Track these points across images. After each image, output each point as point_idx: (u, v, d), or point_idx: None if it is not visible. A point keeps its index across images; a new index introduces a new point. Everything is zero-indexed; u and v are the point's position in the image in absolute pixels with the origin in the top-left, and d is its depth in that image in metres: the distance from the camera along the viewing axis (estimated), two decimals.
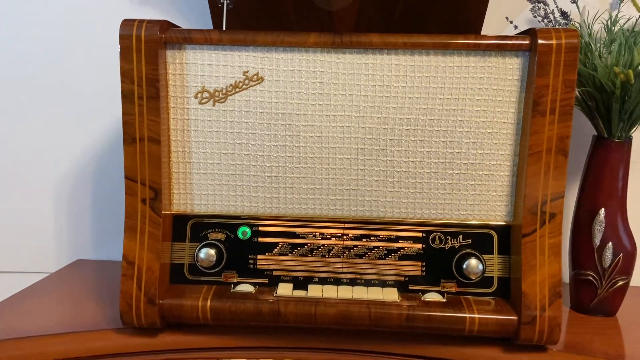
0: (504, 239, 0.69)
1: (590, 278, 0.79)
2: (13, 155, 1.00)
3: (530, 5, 0.83)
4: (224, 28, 0.74)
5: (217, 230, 0.71)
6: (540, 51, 0.64)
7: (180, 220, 0.71)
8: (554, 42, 0.64)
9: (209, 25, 0.85)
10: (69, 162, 1.00)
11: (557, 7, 0.82)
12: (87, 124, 0.98)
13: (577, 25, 0.82)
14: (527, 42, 0.65)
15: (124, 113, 0.67)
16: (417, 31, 0.66)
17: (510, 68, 0.66)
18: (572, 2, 0.84)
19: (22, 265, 1.02)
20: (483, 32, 0.80)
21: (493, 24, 0.88)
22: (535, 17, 0.80)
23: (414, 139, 0.68)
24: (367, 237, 0.70)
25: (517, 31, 0.84)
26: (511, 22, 0.86)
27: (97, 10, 0.96)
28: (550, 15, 0.80)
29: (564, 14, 0.83)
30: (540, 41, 0.64)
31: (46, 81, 0.98)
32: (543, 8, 0.80)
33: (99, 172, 1.00)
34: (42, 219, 1.01)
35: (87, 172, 1.00)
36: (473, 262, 0.67)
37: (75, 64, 0.97)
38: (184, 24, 0.79)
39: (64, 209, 1.01)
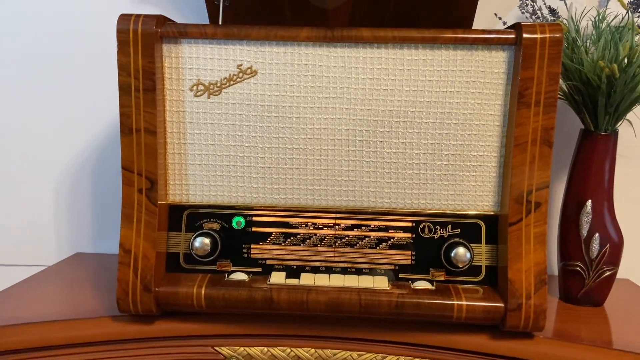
0: (492, 229, 0.71)
1: (578, 269, 0.81)
2: (13, 149, 1.01)
3: (519, 2, 0.85)
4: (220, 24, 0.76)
5: (212, 220, 0.72)
6: (525, 45, 0.66)
7: (176, 210, 0.72)
8: (538, 36, 0.66)
9: (206, 21, 0.87)
10: (68, 156, 1.01)
11: (544, 3, 0.84)
12: (87, 119, 0.99)
13: (565, 21, 0.83)
14: (512, 36, 0.67)
15: (121, 105, 0.68)
16: (409, 27, 0.68)
17: (497, 61, 0.68)
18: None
19: (22, 258, 1.03)
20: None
21: (483, 21, 0.90)
22: (523, 13, 0.82)
23: (404, 130, 0.70)
24: (358, 226, 0.72)
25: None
26: (500, 18, 0.87)
27: (96, 9, 0.98)
28: (538, 12, 0.82)
29: (552, 11, 0.85)
30: (525, 35, 0.66)
31: (46, 78, 0.99)
32: (531, 5, 0.81)
33: (98, 166, 1.01)
34: (42, 213, 1.02)
35: (86, 166, 1.01)
36: (461, 250, 0.69)
37: (75, 63, 0.98)
38: (181, 22, 0.80)
39: (63, 202, 1.02)
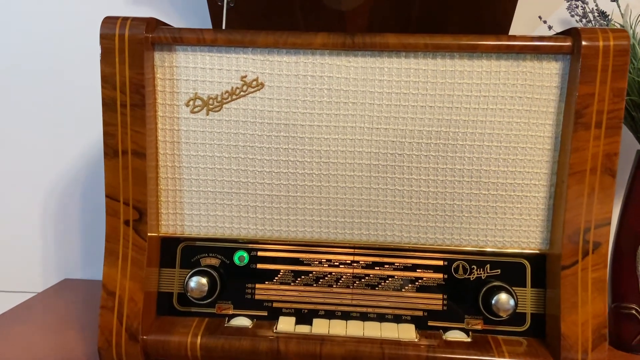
0: (539, 270, 0.62)
1: (634, 312, 0.71)
2: None
3: (565, 4, 0.74)
4: (223, 28, 0.67)
5: (210, 255, 0.64)
6: (585, 54, 0.55)
7: (169, 243, 0.64)
8: (600, 43, 0.55)
9: (208, 26, 0.78)
10: (56, 177, 0.95)
11: (596, 5, 0.73)
12: (75, 139, 0.93)
13: (618, 26, 0.73)
14: (568, 43, 0.57)
15: (105, 123, 0.60)
16: (437, 32, 0.59)
17: (548, 73, 0.59)
18: (612, 1, 0.75)
19: (6, 284, 0.97)
20: (511, 34, 0.71)
21: (521, 25, 0.79)
22: (572, 16, 0.71)
23: (435, 154, 0.61)
24: (381, 264, 0.63)
25: (552, 32, 0.76)
26: (545, 21, 0.77)
27: (88, 11, 0.90)
28: (590, 15, 0.71)
29: (602, 14, 0.74)
30: (584, 43, 0.55)
31: (34, 95, 0.93)
32: (581, 6, 0.70)
33: (87, 187, 0.95)
34: (29, 237, 0.96)
35: (75, 188, 0.95)
36: (503, 297, 0.59)
37: (65, 79, 0.92)
38: (181, 26, 0.72)
39: (51, 226, 0.96)
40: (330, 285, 0.63)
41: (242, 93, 0.61)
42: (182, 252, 0.64)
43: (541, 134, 0.60)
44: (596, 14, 0.74)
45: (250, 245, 0.64)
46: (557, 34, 0.61)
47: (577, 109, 0.56)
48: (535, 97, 0.59)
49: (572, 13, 0.72)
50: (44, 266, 0.96)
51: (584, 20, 0.72)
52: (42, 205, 0.95)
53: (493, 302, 0.59)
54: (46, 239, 0.96)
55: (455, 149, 0.60)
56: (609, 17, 0.75)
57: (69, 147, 0.93)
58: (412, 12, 0.74)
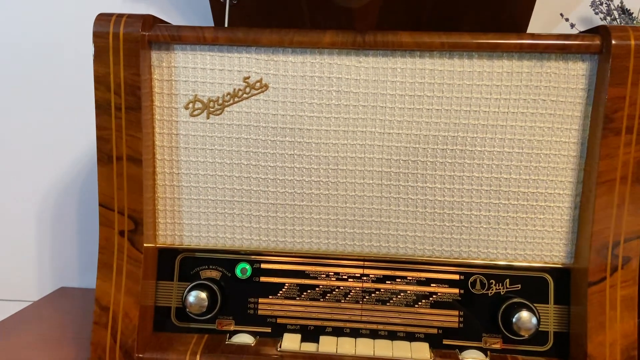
0: (562, 285, 0.58)
1: None
2: None
3: (586, 1, 0.70)
4: (225, 26, 0.63)
5: (211, 267, 0.61)
6: (615, 54, 0.51)
7: (166, 255, 0.61)
8: (632, 42, 0.51)
9: (210, 25, 0.74)
10: (51, 179, 0.92)
11: (621, 2, 0.68)
12: (70, 144, 0.91)
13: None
14: (597, 42, 0.53)
15: (99, 127, 0.56)
16: (451, 31, 0.55)
17: (574, 74, 0.55)
18: None
19: (2, 293, 0.94)
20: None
21: (540, 24, 0.75)
22: (597, 13, 0.67)
23: (452, 161, 0.57)
24: (392, 278, 0.59)
25: (575, 31, 0.71)
26: (567, 19, 0.72)
27: (83, 8, 0.86)
28: (614, 12, 0.67)
29: (626, 12, 0.70)
30: (614, 42, 0.51)
31: (27, 100, 0.90)
32: (606, 3, 0.66)
33: (84, 192, 0.92)
34: (24, 244, 0.94)
35: (71, 192, 0.92)
36: (525, 314, 0.55)
37: (59, 85, 0.89)
38: (181, 24, 0.69)
39: (46, 232, 0.93)
40: (339, 300, 0.59)
41: (244, 95, 0.57)
42: (180, 264, 0.61)
43: (566, 140, 0.56)
44: (620, 12, 0.69)
45: (253, 257, 0.60)
46: (583, 32, 0.57)
47: (606, 113, 0.52)
48: (560, 100, 0.55)
49: (596, 10, 0.67)
50: (39, 274, 0.94)
51: (608, 18, 0.67)
52: (37, 210, 0.93)
53: (514, 320, 0.55)
54: (42, 245, 0.93)
55: (473, 156, 0.57)
56: (633, 14, 0.70)
57: (65, 152, 0.91)
58: (425, 10, 0.70)
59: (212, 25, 0.72)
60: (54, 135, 0.90)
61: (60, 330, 0.74)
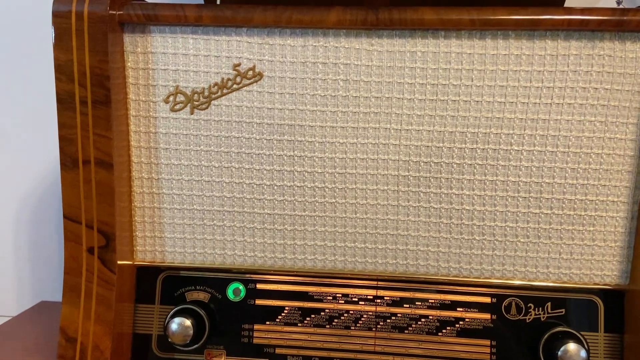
0: (615, 310, 0.53)
1: None
2: None
3: None
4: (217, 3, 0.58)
5: (198, 288, 0.56)
6: None
7: (146, 274, 0.56)
8: None
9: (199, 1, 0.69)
10: (30, 191, 0.89)
11: None
12: (47, 149, 0.86)
13: None
14: None
15: (61, 125, 0.51)
16: (482, 5, 0.49)
17: (633, 57, 0.49)
18: None
19: None
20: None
21: (578, 1, 0.67)
22: None
23: (483, 162, 0.51)
24: (411, 301, 0.54)
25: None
26: None
27: None
28: None
29: None
30: None
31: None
32: None
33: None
34: (1, 256, 0.90)
35: (51, 202, 0.88)
36: (572, 347, 0.50)
37: (36, 89, 0.83)
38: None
39: (25, 244, 0.90)
40: (348, 327, 0.54)
41: (234, 86, 0.52)
42: (163, 284, 0.56)
43: (622, 137, 0.50)
44: None
45: (247, 276, 0.56)
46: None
47: None
48: (616, 88, 0.49)
49: None
50: (18, 287, 0.91)
51: None
52: (15, 220, 0.90)
53: (559, 353, 0.50)
54: (20, 257, 0.90)
55: (508, 156, 0.51)
56: None
57: (41, 158, 0.87)
58: None
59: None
60: (31, 135, 0.86)
61: (40, 346, 0.70)
